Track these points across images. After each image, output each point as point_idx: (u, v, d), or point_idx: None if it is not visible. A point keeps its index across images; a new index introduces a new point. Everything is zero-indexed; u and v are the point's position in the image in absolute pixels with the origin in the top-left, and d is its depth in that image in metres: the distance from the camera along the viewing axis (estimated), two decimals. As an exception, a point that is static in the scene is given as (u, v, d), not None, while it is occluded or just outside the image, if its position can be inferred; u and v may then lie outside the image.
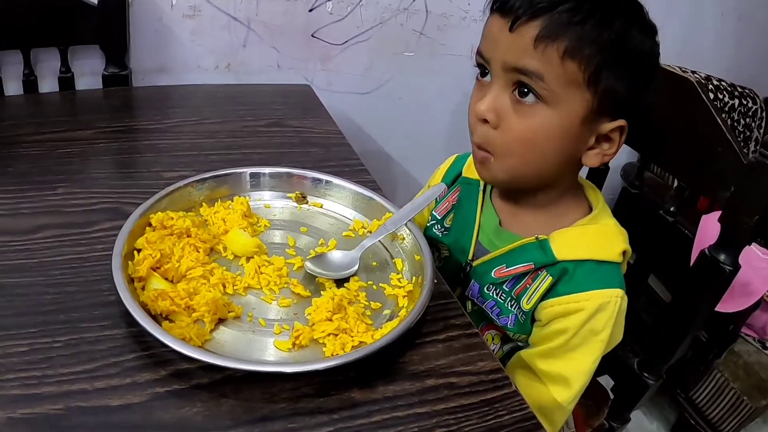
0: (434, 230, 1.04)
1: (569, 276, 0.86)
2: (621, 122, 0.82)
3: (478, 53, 0.84)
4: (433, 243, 1.02)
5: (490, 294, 0.92)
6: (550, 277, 0.86)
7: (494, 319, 0.93)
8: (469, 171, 1.02)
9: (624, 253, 0.89)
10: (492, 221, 0.96)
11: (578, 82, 0.77)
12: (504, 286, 0.90)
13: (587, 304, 0.84)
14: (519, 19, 0.76)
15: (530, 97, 0.79)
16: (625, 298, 0.86)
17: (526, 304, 0.88)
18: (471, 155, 0.98)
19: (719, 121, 0.95)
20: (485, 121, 0.82)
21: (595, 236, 0.88)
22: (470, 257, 0.96)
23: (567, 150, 0.83)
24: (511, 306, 0.90)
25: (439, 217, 1.04)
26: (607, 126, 0.82)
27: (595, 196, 0.94)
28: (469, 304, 0.97)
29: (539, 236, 0.88)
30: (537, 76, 0.77)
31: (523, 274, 0.89)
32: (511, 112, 0.80)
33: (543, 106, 0.79)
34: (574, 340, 0.85)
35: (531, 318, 0.89)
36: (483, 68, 0.84)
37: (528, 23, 0.76)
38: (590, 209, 0.93)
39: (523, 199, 0.92)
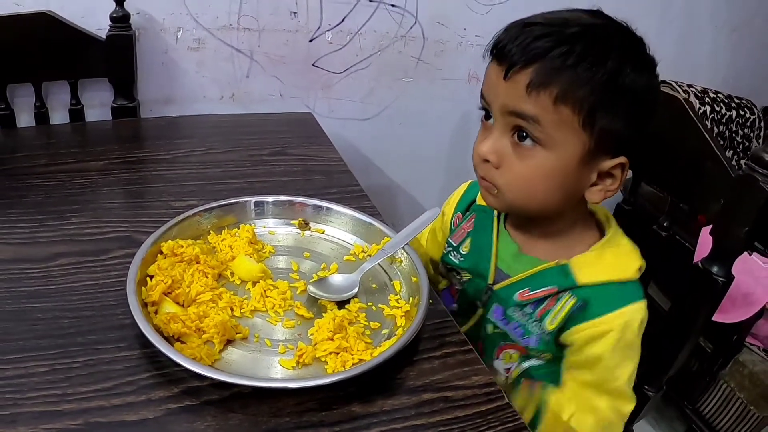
0: (450, 257, 1.05)
1: (593, 299, 0.87)
2: (621, 159, 0.84)
3: (481, 97, 0.86)
4: (452, 269, 1.05)
5: (514, 316, 0.94)
6: (574, 299, 0.88)
7: (517, 339, 0.95)
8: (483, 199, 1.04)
9: (640, 268, 0.91)
10: (510, 248, 0.97)
11: (573, 125, 0.79)
12: (527, 308, 0.92)
13: (615, 324, 0.86)
14: (513, 67, 0.78)
15: (528, 141, 0.81)
16: (645, 306, 0.88)
17: (549, 325, 0.90)
18: None
19: (708, 137, 0.98)
20: (488, 160, 0.85)
21: (613, 258, 0.90)
22: (491, 281, 0.97)
23: (568, 188, 0.85)
24: (534, 327, 0.92)
25: (455, 244, 1.05)
26: (608, 163, 0.84)
27: (607, 220, 0.96)
28: (489, 327, 0.98)
29: (560, 261, 0.90)
30: (533, 120, 0.79)
31: (545, 297, 0.91)
32: (512, 154, 0.83)
33: (540, 148, 0.81)
34: (612, 362, 0.87)
35: (555, 337, 0.91)
36: (486, 111, 0.86)
37: (522, 71, 0.78)
38: (601, 233, 0.95)
39: (535, 229, 0.94)
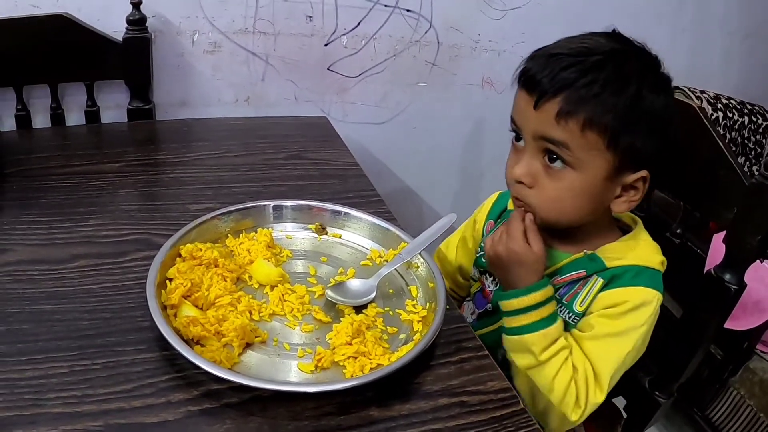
0: (483, 260, 1.07)
1: (618, 277, 0.92)
2: (643, 173, 0.88)
3: (512, 121, 0.91)
4: (485, 271, 1.08)
5: None
6: (602, 280, 0.93)
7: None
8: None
9: (662, 262, 0.95)
10: None
11: (599, 147, 0.84)
12: (556, 294, 0.95)
13: (632, 297, 0.90)
14: (542, 97, 0.84)
15: (558, 163, 0.86)
16: (661, 300, 0.92)
17: (579, 307, 0.93)
18: None
19: (721, 144, 0.98)
20: (521, 182, 0.90)
21: (638, 248, 0.95)
22: None
23: (595, 202, 0.90)
24: (561, 312, 0.94)
25: None
26: (631, 177, 0.89)
27: (633, 222, 1.01)
28: None
29: (587, 251, 0.94)
30: (563, 145, 0.84)
31: (575, 281, 0.95)
32: (544, 175, 0.88)
33: (570, 170, 0.86)
34: (617, 328, 0.90)
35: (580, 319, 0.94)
36: (517, 134, 0.91)
37: (550, 100, 0.83)
38: (624, 233, 0.99)
39: (564, 233, 0.97)
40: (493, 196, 1.15)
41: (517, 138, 0.91)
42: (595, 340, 0.90)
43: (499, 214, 1.11)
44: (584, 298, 0.93)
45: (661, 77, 0.89)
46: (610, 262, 0.92)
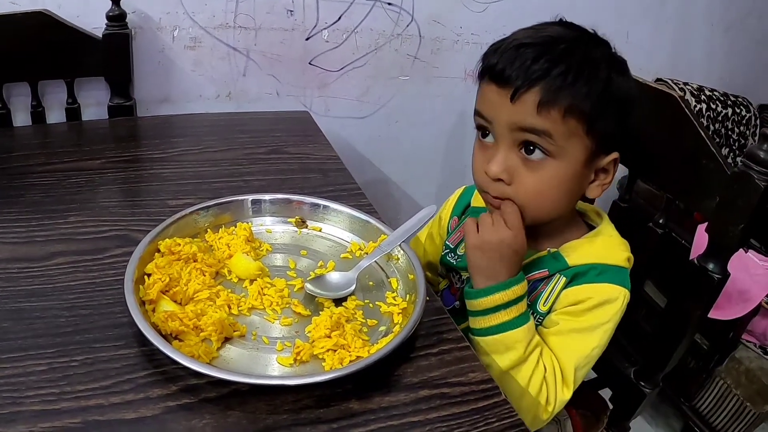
0: (448, 258, 1.08)
1: (581, 275, 0.92)
2: (615, 155, 0.90)
3: (478, 115, 0.90)
4: (451, 269, 1.08)
5: None
6: (564, 278, 0.92)
7: None
8: (478, 201, 1.08)
9: (628, 259, 0.95)
10: None
11: (579, 133, 0.85)
12: None
13: (597, 294, 0.90)
14: (518, 90, 0.83)
15: (537, 154, 0.86)
16: (628, 297, 0.92)
17: (542, 306, 0.93)
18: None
19: (703, 134, 0.99)
20: (499, 179, 0.88)
21: (602, 246, 0.95)
22: None
23: (575, 190, 0.91)
24: None
25: (452, 246, 1.08)
26: (604, 161, 0.90)
27: (598, 215, 1.01)
28: None
29: (551, 249, 0.94)
30: (545, 134, 0.84)
31: (539, 281, 0.94)
32: (522, 169, 0.87)
33: (550, 159, 0.86)
34: (581, 324, 0.90)
35: (544, 320, 0.94)
36: (484, 129, 0.90)
37: (528, 91, 0.83)
38: (591, 229, 0.99)
39: (529, 229, 0.95)
40: (458, 192, 1.15)
41: (484, 134, 0.90)
42: (560, 335, 0.90)
43: (463, 210, 1.11)
44: (547, 297, 0.93)
45: (620, 59, 0.91)
46: (573, 261, 0.93)
